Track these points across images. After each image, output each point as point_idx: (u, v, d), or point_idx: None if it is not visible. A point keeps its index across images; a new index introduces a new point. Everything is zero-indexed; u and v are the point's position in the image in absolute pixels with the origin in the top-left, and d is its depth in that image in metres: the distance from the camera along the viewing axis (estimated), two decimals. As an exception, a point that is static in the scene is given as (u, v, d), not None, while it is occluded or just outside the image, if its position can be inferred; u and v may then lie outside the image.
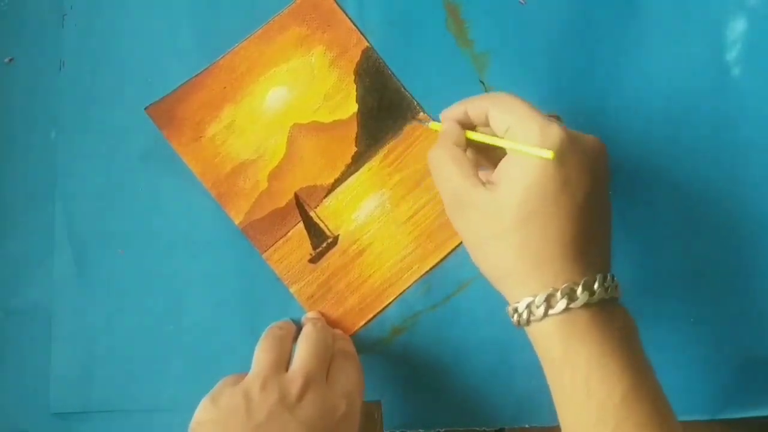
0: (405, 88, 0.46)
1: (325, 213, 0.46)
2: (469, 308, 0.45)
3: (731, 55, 0.45)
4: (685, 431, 0.40)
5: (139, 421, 0.46)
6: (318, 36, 0.46)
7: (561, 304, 0.32)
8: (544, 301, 0.33)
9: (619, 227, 0.45)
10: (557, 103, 0.45)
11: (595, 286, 0.33)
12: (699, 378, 0.45)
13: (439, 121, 0.40)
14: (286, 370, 0.39)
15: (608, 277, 0.34)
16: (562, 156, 0.33)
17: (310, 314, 0.45)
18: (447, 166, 0.36)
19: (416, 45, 0.46)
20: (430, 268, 0.45)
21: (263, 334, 0.43)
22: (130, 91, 0.46)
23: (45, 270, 0.46)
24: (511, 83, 0.46)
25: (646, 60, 0.45)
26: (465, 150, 0.38)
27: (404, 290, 0.46)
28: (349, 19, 0.46)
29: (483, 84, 0.46)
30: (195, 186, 0.46)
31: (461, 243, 0.45)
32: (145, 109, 0.46)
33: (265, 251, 0.46)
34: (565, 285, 0.33)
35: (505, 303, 0.36)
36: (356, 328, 0.46)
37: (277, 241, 0.46)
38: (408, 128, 0.46)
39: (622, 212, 0.45)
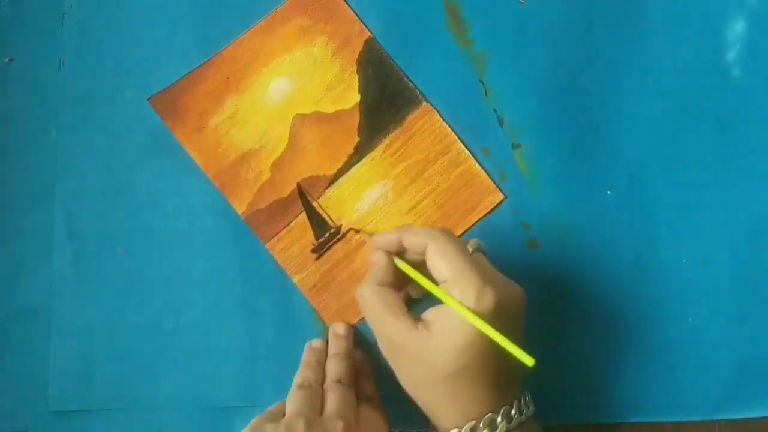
0: (407, 78, 0.46)
1: (327, 203, 0.46)
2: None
3: (731, 55, 0.45)
4: (685, 431, 0.40)
5: (139, 419, 0.46)
6: (320, 27, 0.46)
7: None
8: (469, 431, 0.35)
9: (618, 228, 0.45)
10: (557, 103, 0.45)
11: (512, 412, 0.36)
12: (699, 378, 0.45)
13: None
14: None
15: (523, 399, 0.37)
16: (494, 318, 0.34)
17: (338, 329, 0.45)
18: (377, 310, 0.37)
19: (416, 45, 0.46)
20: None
21: (304, 358, 0.43)
22: (130, 89, 0.46)
23: (45, 270, 0.46)
24: (510, 83, 0.46)
25: (645, 60, 0.45)
26: (393, 285, 0.38)
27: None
28: (352, 9, 0.46)
29: (483, 84, 0.46)
30: (196, 179, 0.46)
31: (462, 234, 0.45)
32: (149, 99, 0.46)
33: (268, 241, 0.46)
34: (487, 416, 0.35)
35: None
36: (358, 318, 0.46)
37: (279, 231, 0.46)
38: (410, 118, 0.46)
39: (621, 212, 0.45)
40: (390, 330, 0.37)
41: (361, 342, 0.45)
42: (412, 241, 0.38)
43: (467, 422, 0.35)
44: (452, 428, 0.36)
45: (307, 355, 0.44)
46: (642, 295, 0.45)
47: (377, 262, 0.39)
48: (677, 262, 0.45)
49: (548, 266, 0.45)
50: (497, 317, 0.35)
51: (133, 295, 0.46)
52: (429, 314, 0.36)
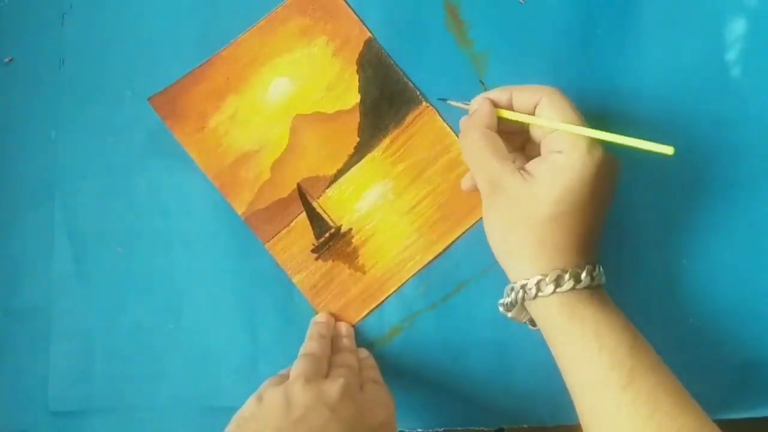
0: (407, 78, 0.46)
1: (327, 203, 0.46)
2: (467, 308, 0.45)
3: (731, 55, 0.45)
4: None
5: (138, 419, 0.46)
6: (320, 27, 0.46)
7: (568, 284, 0.36)
8: (554, 280, 0.36)
9: (618, 228, 0.45)
10: (557, 102, 0.45)
11: (595, 273, 0.37)
12: (699, 378, 0.44)
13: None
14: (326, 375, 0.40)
15: (599, 267, 0.38)
16: (599, 170, 0.36)
17: (320, 317, 0.45)
18: (483, 151, 0.38)
19: (416, 45, 0.46)
20: (433, 259, 0.46)
21: (308, 332, 0.43)
22: (130, 89, 0.46)
23: (45, 270, 0.46)
24: (510, 83, 0.45)
25: (645, 60, 0.45)
26: (497, 131, 0.39)
27: (407, 280, 0.46)
28: (352, 9, 0.46)
29: (483, 84, 0.46)
30: (196, 179, 0.46)
31: (463, 234, 0.45)
32: (149, 99, 0.46)
33: (268, 241, 0.46)
34: (572, 269, 0.37)
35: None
36: (359, 318, 0.46)
37: (280, 231, 0.46)
38: (410, 118, 0.46)
39: (621, 213, 0.45)
40: (495, 170, 0.37)
41: (359, 346, 0.45)
42: (524, 95, 0.39)
43: (553, 271, 0.36)
44: (536, 275, 0.37)
45: (311, 329, 0.44)
46: (642, 295, 0.45)
47: (482, 107, 0.39)
48: (677, 262, 0.45)
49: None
50: (600, 173, 0.36)
51: (133, 295, 0.46)
52: (531, 165, 0.38)
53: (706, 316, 0.45)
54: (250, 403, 0.38)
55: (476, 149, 0.38)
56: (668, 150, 0.35)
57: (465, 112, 0.41)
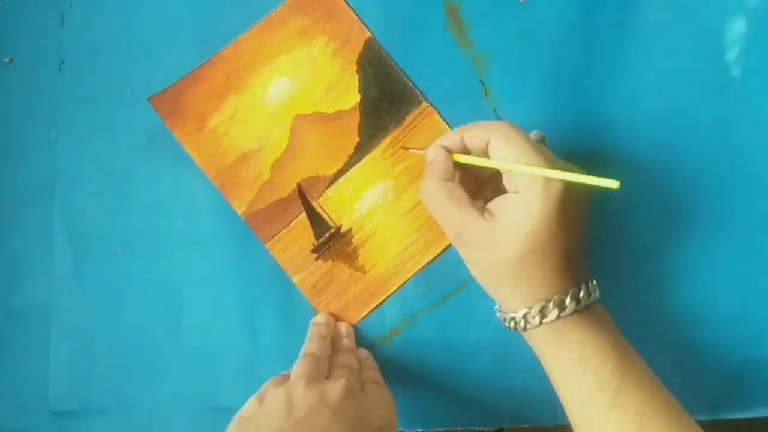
0: (407, 78, 0.46)
1: (327, 203, 0.46)
2: (467, 308, 0.45)
3: (731, 55, 0.45)
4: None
5: (138, 419, 0.46)
6: (320, 27, 0.46)
7: (553, 314, 0.37)
8: (539, 312, 0.37)
9: (618, 229, 0.45)
10: (556, 103, 0.45)
11: (581, 294, 0.37)
12: (699, 378, 0.45)
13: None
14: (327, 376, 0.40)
15: (590, 284, 0.38)
16: (560, 204, 0.36)
17: (320, 318, 0.45)
18: (443, 202, 0.38)
19: (416, 45, 0.46)
20: (433, 259, 0.46)
21: (309, 333, 0.43)
22: (130, 89, 0.46)
23: (45, 270, 0.46)
24: (510, 83, 0.46)
25: (645, 60, 0.45)
26: (454, 179, 0.39)
27: (407, 280, 0.46)
28: (352, 9, 0.46)
29: (483, 84, 0.46)
30: (196, 179, 0.46)
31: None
32: (149, 99, 0.46)
33: (268, 241, 0.46)
34: (556, 296, 0.37)
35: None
36: (359, 318, 0.46)
37: (279, 232, 0.46)
38: (410, 118, 0.46)
39: (621, 213, 0.45)
40: (457, 221, 0.38)
41: (359, 346, 0.45)
42: (474, 135, 0.38)
43: (537, 303, 0.37)
44: (522, 308, 0.37)
45: (311, 330, 0.44)
46: (641, 296, 0.45)
47: (436, 157, 0.39)
48: (678, 262, 0.45)
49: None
50: (562, 204, 0.36)
51: (133, 295, 0.46)
52: (493, 204, 0.38)
53: (705, 316, 0.45)
54: (251, 403, 0.38)
55: (436, 201, 0.38)
56: (614, 184, 0.34)
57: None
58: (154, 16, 0.47)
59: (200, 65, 0.46)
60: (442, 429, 0.46)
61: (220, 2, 0.46)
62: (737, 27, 0.45)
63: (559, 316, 0.36)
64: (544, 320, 0.37)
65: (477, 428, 0.46)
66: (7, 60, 0.47)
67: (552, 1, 0.46)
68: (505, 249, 0.36)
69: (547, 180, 0.36)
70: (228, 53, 0.46)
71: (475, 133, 0.38)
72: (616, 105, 0.45)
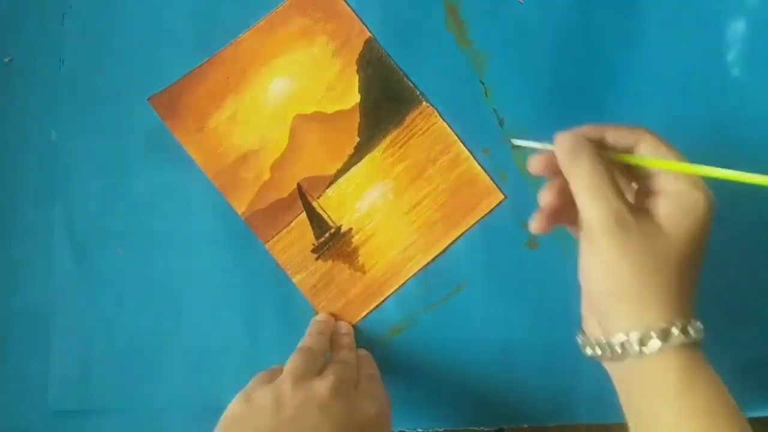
0: (407, 78, 0.46)
1: (327, 203, 0.46)
2: (467, 308, 0.45)
3: (731, 55, 0.45)
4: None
5: (138, 419, 0.46)
6: (320, 27, 0.46)
7: (677, 339, 0.32)
8: (660, 333, 0.32)
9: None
10: (556, 103, 0.45)
11: (698, 325, 0.33)
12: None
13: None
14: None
15: (697, 321, 0.34)
16: (712, 213, 0.33)
17: (320, 316, 0.45)
18: (602, 182, 0.33)
19: (416, 45, 0.46)
20: (433, 259, 0.46)
21: (308, 329, 0.43)
22: (130, 89, 0.46)
23: (45, 270, 0.46)
24: (510, 83, 0.46)
25: (645, 60, 0.45)
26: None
27: (407, 280, 0.46)
28: (352, 9, 0.46)
29: (483, 84, 0.46)
30: (196, 179, 0.46)
31: (462, 234, 0.45)
32: (149, 99, 0.46)
33: (268, 241, 0.46)
34: (680, 322, 0.32)
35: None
36: (359, 318, 0.46)
37: (280, 232, 0.46)
38: (410, 118, 0.46)
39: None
40: (618, 205, 0.33)
41: (359, 346, 0.45)
42: (621, 135, 0.35)
43: (658, 325, 0.32)
44: (637, 328, 0.32)
45: (310, 326, 0.44)
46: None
47: (587, 136, 0.35)
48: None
49: (548, 266, 0.45)
50: (712, 215, 0.33)
51: (133, 295, 0.46)
52: (648, 203, 0.34)
53: (706, 316, 0.45)
54: (238, 403, 0.37)
55: (595, 183, 0.33)
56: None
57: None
58: (155, 16, 0.47)
59: (200, 65, 0.46)
60: (442, 429, 0.46)
61: (220, 2, 0.46)
62: (737, 27, 0.45)
63: (682, 343, 0.32)
64: (665, 345, 0.32)
65: (477, 428, 0.46)
66: (7, 60, 0.47)
67: (552, 1, 0.46)
68: (671, 244, 0.33)
69: (706, 186, 0.34)
70: (228, 53, 0.46)
71: (621, 134, 0.35)
72: (616, 105, 0.45)
